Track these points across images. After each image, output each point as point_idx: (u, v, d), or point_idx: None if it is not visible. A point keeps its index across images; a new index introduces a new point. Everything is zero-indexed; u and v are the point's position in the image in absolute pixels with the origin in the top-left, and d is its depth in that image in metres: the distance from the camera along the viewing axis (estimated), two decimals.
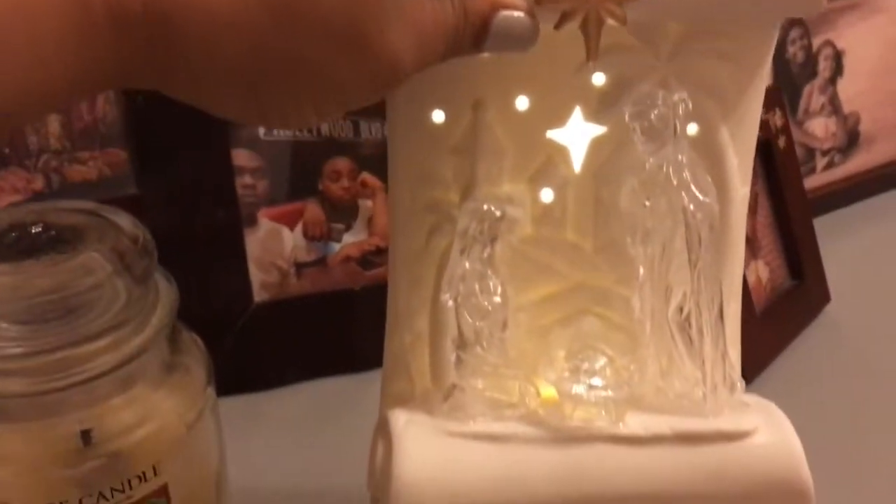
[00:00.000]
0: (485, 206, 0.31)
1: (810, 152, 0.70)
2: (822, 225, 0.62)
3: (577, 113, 0.32)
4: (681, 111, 0.30)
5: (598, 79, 0.31)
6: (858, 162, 0.72)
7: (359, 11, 0.24)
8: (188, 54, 0.23)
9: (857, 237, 0.68)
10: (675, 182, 0.30)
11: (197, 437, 0.40)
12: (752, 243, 0.56)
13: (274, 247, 0.54)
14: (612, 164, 0.32)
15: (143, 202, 0.51)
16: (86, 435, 0.38)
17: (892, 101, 0.72)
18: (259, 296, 0.54)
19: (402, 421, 0.31)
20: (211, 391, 0.42)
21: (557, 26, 0.28)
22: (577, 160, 0.32)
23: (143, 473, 0.37)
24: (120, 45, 0.23)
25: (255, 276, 0.54)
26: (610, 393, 0.31)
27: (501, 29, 0.27)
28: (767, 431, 0.31)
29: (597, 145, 0.32)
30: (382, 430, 0.32)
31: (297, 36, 0.23)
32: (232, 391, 0.53)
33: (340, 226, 0.55)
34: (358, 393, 0.54)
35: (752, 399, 0.33)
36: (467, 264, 0.31)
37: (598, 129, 0.32)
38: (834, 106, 0.70)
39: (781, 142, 0.57)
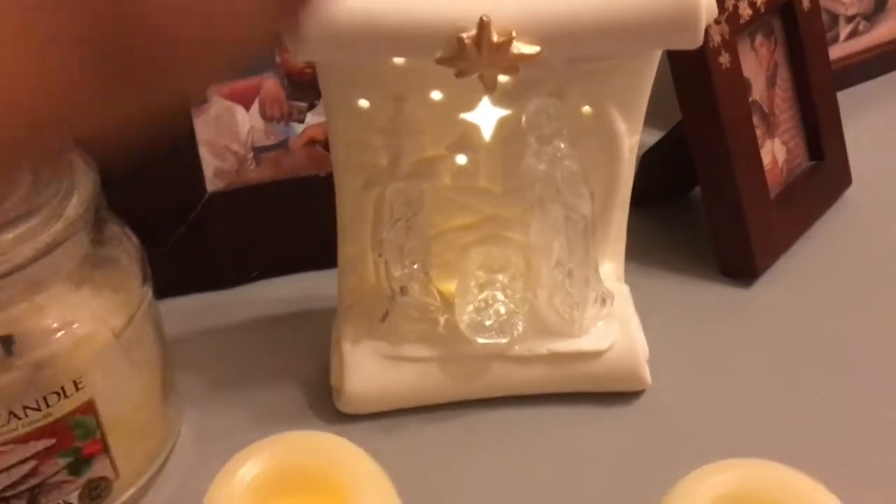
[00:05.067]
0: (407, 189, 0.38)
1: (833, 18, 0.62)
2: (843, 100, 0.55)
3: (486, 101, 0.37)
4: (563, 138, 0.37)
5: (503, 78, 0.36)
6: (886, 30, 0.64)
7: None
8: None
9: (882, 115, 0.62)
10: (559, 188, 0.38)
11: (129, 346, 0.35)
12: (768, 120, 0.50)
13: (228, 129, 0.48)
14: (516, 135, 0.38)
15: None
16: (6, 342, 0.33)
17: None
18: (213, 185, 0.48)
19: (350, 344, 0.41)
20: (146, 292, 0.37)
21: (458, 76, 0.33)
22: (487, 133, 0.38)
23: (63, 389, 0.32)
24: None
25: (208, 162, 0.48)
26: (509, 311, 0.40)
27: None
28: (620, 346, 0.41)
29: (504, 121, 0.38)
30: (337, 345, 0.42)
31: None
32: (185, 291, 0.48)
33: (302, 104, 0.48)
34: (324, 290, 0.48)
35: (620, 301, 0.42)
36: (392, 234, 0.39)
37: (505, 112, 0.38)
38: None
39: (805, 2, 0.50)
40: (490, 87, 0.34)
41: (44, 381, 0.32)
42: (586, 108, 0.38)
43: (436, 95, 0.37)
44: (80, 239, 0.33)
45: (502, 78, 0.36)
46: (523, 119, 0.37)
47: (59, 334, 0.32)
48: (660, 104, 0.42)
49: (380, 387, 0.40)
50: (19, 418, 0.31)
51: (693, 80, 0.45)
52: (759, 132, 0.48)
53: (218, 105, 0.47)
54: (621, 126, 0.38)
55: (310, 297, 0.49)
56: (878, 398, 0.42)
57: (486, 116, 0.38)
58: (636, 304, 0.44)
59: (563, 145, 0.37)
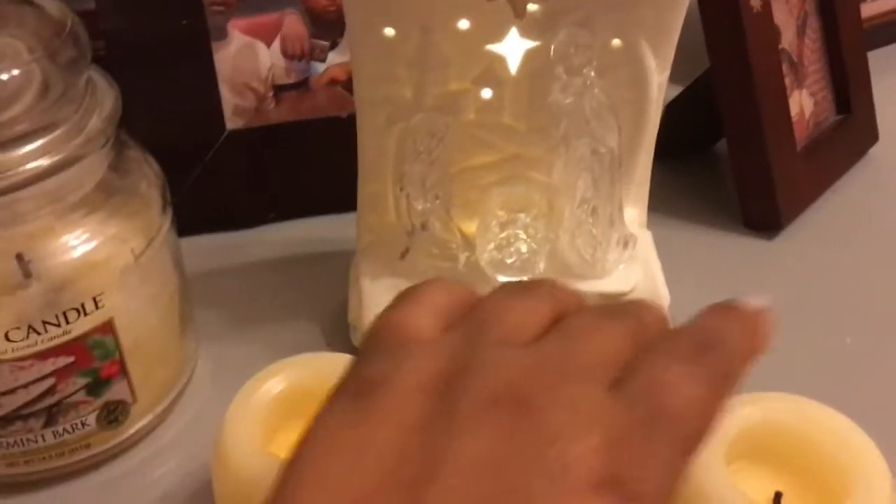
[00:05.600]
0: (431, 121, 0.38)
1: None
2: (872, 60, 0.55)
3: (513, 31, 0.37)
4: (592, 68, 0.37)
5: (532, 6, 0.36)
6: None
7: None
8: None
9: None
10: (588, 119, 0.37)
11: (148, 270, 0.34)
12: (796, 69, 0.49)
13: (248, 65, 0.47)
14: (543, 69, 0.37)
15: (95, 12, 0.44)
16: (23, 263, 0.32)
17: None
18: (232, 122, 0.47)
19: (368, 280, 0.41)
20: (166, 218, 0.36)
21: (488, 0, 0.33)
22: (514, 66, 0.38)
23: (83, 305, 0.32)
24: None
25: (227, 99, 0.47)
26: (531, 250, 0.40)
27: None
28: (642, 288, 0.41)
29: (531, 53, 0.37)
30: (355, 282, 0.41)
31: None
32: (201, 230, 0.47)
33: (324, 42, 0.48)
34: (341, 234, 0.48)
35: (643, 246, 0.42)
36: (415, 167, 0.38)
37: (533, 43, 0.37)
38: None
39: None
40: (520, 13, 0.33)
41: (64, 299, 0.32)
42: (616, 41, 0.37)
43: (463, 24, 0.36)
44: (100, 157, 0.33)
45: (531, 7, 0.35)
46: (552, 49, 0.36)
47: (79, 252, 0.32)
48: (682, 59, 0.41)
49: None
50: (39, 333, 0.31)
51: (723, 22, 0.44)
52: (787, 81, 0.47)
53: (238, 41, 0.46)
54: (651, 61, 0.38)
55: (326, 239, 0.48)
56: None
57: (513, 48, 0.37)
58: (658, 255, 0.43)
59: (593, 74, 0.36)
